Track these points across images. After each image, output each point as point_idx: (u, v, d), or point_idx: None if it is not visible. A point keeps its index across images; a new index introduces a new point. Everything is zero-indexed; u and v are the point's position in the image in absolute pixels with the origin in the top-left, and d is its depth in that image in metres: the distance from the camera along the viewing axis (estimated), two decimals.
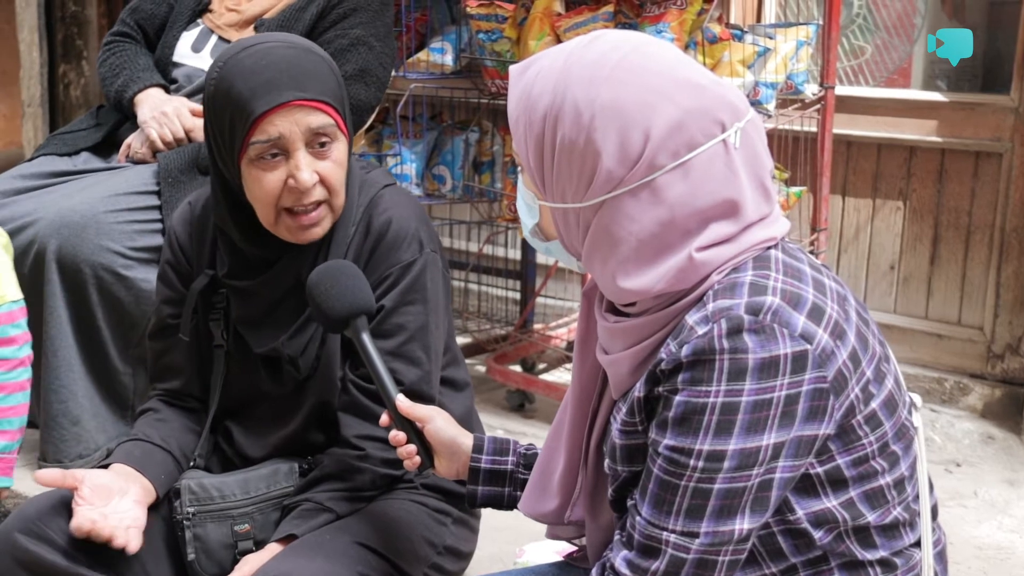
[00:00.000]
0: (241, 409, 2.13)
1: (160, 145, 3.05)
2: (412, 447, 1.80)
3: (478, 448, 1.81)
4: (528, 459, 1.82)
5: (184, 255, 2.15)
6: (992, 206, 3.67)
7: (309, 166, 1.92)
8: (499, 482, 1.81)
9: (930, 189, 3.76)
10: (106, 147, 3.22)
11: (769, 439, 1.35)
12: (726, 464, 1.35)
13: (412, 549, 2.00)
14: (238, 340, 2.10)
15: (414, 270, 2.02)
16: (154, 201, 2.96)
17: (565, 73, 1.43)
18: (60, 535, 1.92)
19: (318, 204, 1.96)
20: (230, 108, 1.91)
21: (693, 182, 1.39)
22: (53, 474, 1.92)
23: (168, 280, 2.16)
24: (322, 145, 1.94)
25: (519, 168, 1.54)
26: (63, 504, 1.95)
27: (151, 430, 2.10)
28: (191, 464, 2.10)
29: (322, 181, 1.95)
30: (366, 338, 1.83)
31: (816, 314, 1.37)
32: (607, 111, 1.39)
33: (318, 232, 1.99)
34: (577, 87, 1.41)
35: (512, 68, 1.52)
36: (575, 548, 1.80)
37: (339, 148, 1.97)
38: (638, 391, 1.44)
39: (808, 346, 1.35)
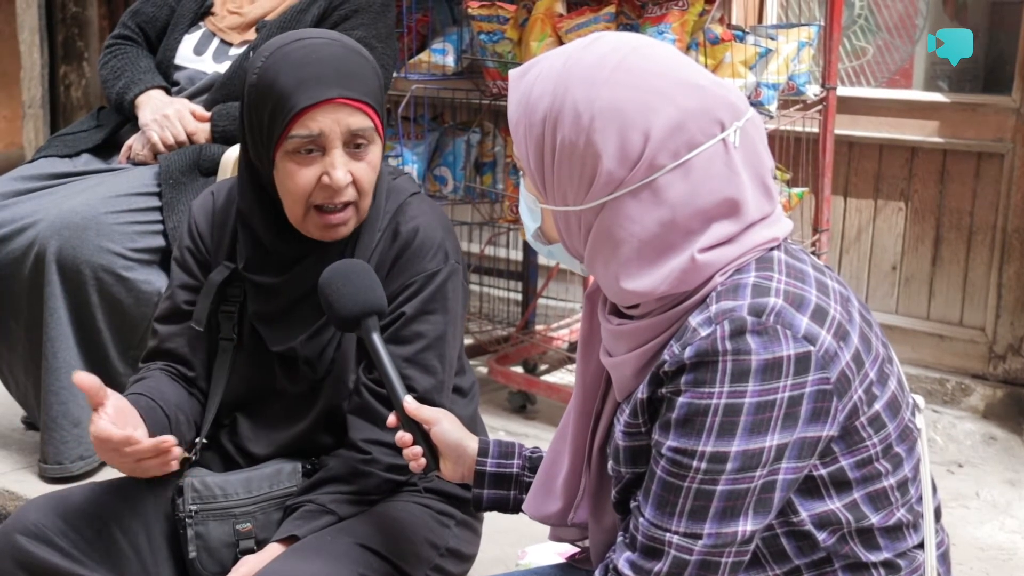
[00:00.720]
0: (249, 405, 2.12)
1: (161, 147, 3.05)
2: (418, 449, 1.79)
3: (483, 452, 1.81)
4: (533, 462, 1.81)
5: (203, 243, 2.14)
6: (994, 207, 3.66)
7: (344, 165, 1.92)
8: (505, 485, 1.81)
9: (932, 190, 3.76)
10: (107, 148, 3.22)
11: (772, 440, 1.35)
12: (729, 465, 1.35)
13: (414, 551, 2.00)
14: (252, 336, 2.09)
15: (438, 279, 2.02)
16: (155, 202, 2.96)
17: (564, 75, 1.43)
18: (60, 536, 1.91)
19: (346, 205, 1.96)
20: (272, 98, 1.90)
21: (694, 182, 1.38)
22: (92, 381, 1.82)
23: (186, 266, 2.14)
24: (358, 147, 1.94)
25: (521, 172, 1.54)
26: (63, 505, 1.95)
27: (154, 391, 2.04)
28: (191, 459, 2.08)
29: (354, 182, 1.95)
30: (376, 338, 1.82)
31: (819, 315, 1.37)
32: (606, 112, 1.39)
33: (343, 232, 1.99)
34: (576, 89, 1.41)
35: (512, 72, 1.52)
36: (577, 550, 1.80)
37: (374, 151, 1.97)
38: (641, 393, 1.44)
39: (811, 347, 1.34)
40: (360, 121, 1.92)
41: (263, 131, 1.93)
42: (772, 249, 1.44)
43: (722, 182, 1.39)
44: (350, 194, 1.95)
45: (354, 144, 1.93)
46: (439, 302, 2.03)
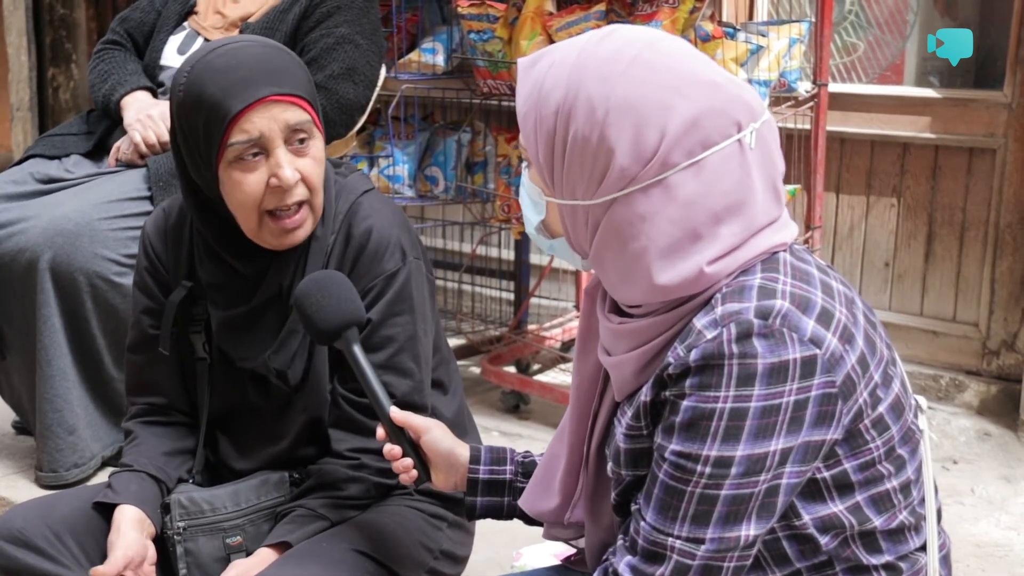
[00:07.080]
0: (230, 423, 2.09)
1: (143, 148, 3.04)
2: (408, 461, 1.76)
3: (475, 458, 1.79)
4: (526, 467, 1.80)
5: (161, 263, 2.09)
6: (986, 202, 3.66)
7: (290, 163, 1.88)
8: (498, 492, 1.79)
9: (924, 186, 3.76)
10: (96, 152, 3.20)
11: (777, 445, 1.34)
12: (733, 470, 1.34)
13: (409, 554, 1.98)
14: (222, 353, 2.05)
15: (399, 280, 1.97)
16: (147, 207, 2.94)
17: (578, 68, 1.41)
18: (45, 542, 1.89)
19: (300, 205, 1.92)
20: (204, 111, 1.85)
21: (705, 181, 1.37)
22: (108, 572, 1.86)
23: (147, 288, 2.10)
24: (301, 142, 1.90)
25: (525, 163, 1.52)
26: (50, 514, 1.93)
27: (145, 460, 2.04)
28: (190, 481, 2.06)
29: (303, 179, 1.90)
30: (357, 350, 1.78)
31: (825, 318, 1.36)
32: (622, 108, 1.37)
33: (302, 235, 1.94)
34: (591, 83, 1.39)
35: (521, 61, 1.50)
36: (573, 551, 1.79)
37: (317, 145, 1.93)
38: (644, 396, 1.42)
39: (817, 351, 1.33)
40: (297, 115, 1.88)
41: (200, 147, 1.88)
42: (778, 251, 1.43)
43: (734, 184, 1.38)
44: (300, 193, 1.90)
45: (296, 140, 1.89)
46: (404, 303, 1.99)
